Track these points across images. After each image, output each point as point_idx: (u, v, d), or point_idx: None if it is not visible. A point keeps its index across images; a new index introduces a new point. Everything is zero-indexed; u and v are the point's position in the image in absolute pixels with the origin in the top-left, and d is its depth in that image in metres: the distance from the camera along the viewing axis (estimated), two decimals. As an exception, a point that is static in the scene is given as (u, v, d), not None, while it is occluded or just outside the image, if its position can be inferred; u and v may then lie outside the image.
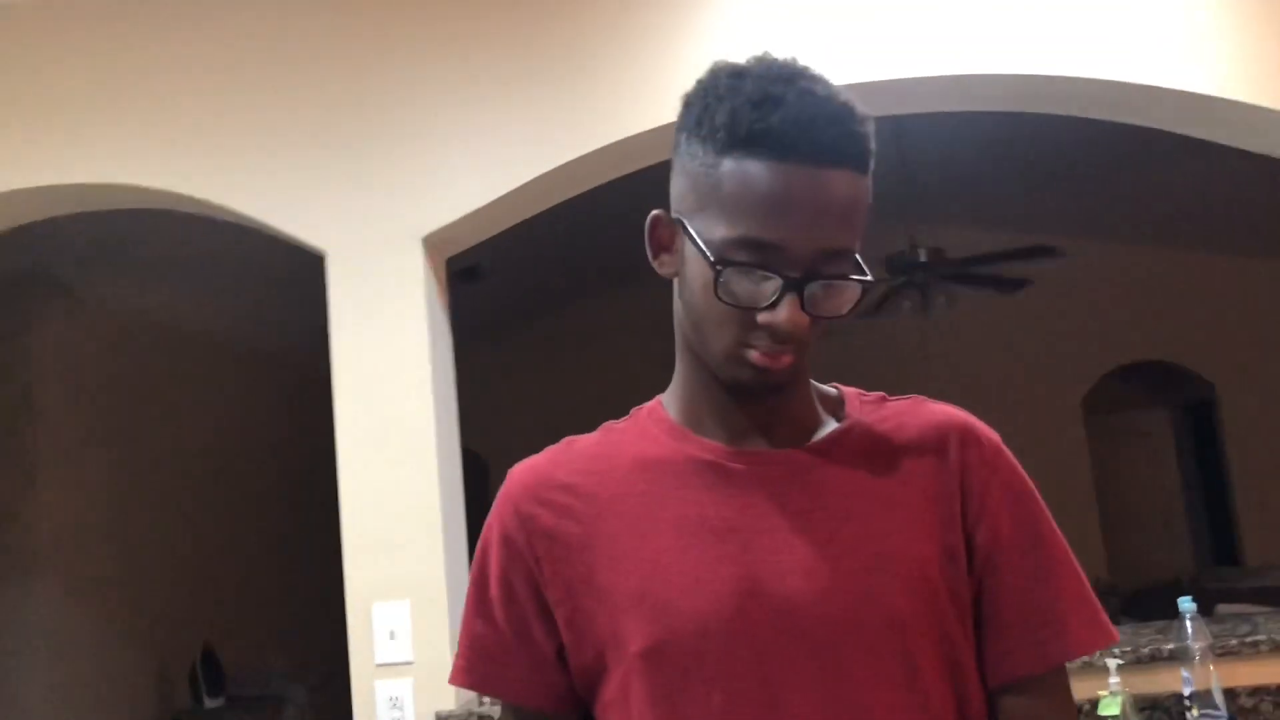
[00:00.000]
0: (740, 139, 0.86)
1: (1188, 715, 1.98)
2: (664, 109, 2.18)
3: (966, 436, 0.97)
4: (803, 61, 0.91)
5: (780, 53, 0.93)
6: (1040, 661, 0.94)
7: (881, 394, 1.02)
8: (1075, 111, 2.54)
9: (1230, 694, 2.01)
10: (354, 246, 2.42)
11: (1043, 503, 0.98)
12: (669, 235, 0.95)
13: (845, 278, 0.89)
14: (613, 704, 0.93)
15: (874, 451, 0.96)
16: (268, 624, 5.52)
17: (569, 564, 0.94)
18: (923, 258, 5.07)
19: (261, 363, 5.74)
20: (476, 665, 0.99)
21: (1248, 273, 6.85)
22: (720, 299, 0.88)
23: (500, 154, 2.41)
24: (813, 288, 0.88)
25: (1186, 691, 1.98)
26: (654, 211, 0.95)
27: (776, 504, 0.92)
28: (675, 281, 0.96)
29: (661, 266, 0.96)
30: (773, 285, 0.87)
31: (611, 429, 1.03)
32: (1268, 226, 5.17)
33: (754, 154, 0.86)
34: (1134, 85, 2.28)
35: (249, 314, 5.28)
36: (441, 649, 2.25)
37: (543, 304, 6.94)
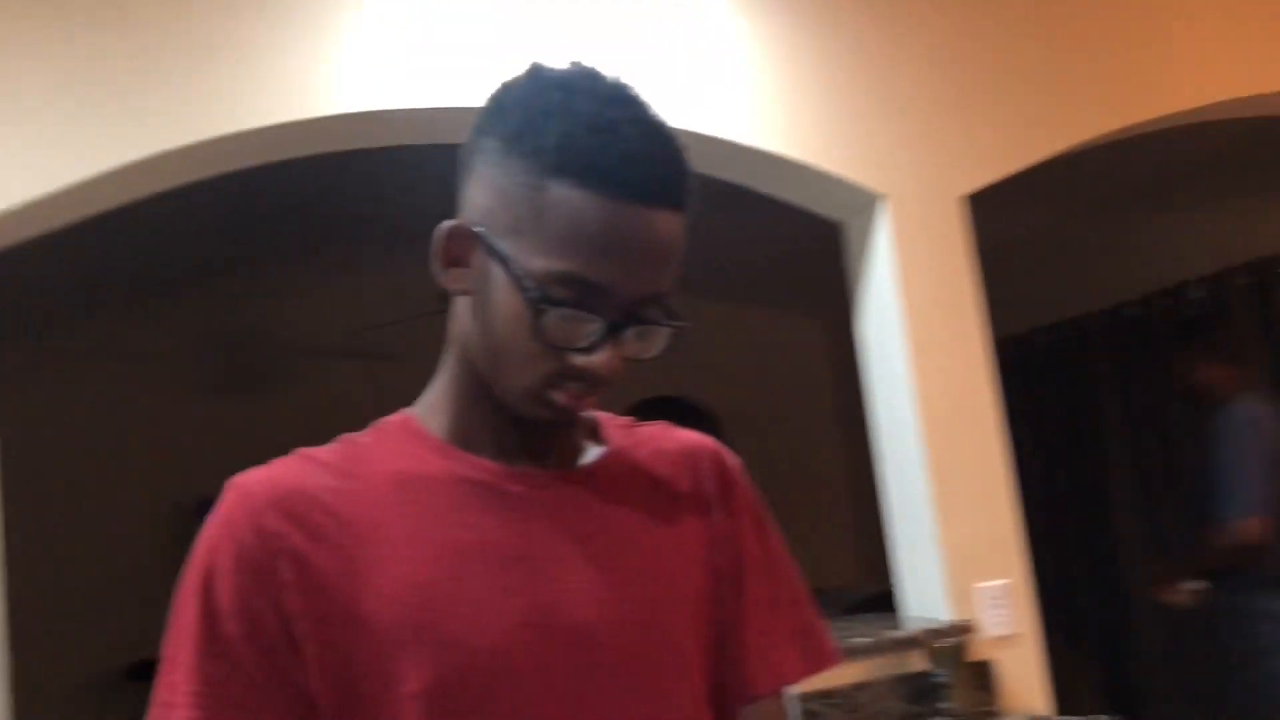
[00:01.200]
0: (573, 168, 0.80)
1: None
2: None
3: (719, 461, 1.00)
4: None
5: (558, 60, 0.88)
6: (770, 685, 0.98)
7: (630, 419, 1.02)
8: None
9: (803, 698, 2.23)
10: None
11: (775, 528, 1.02)
12: (465, 250, 0.87)
13: (661, 322, 0.86)
14: None
15: (640, 476, 0.95)
16: None
17: (323, 593, 0.82)
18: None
19: None
20: (222, 716, 0.81)
21: (759, 321, 7.66)
22: (537, 338, 0.82)
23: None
24: (631, 332, 0.84)
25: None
26: (449, 222, 0.87)
27: (558, 530, 0.88)
28: (465, 301, 0.89)
29: (451, 281, 0.88)
30: (593, 328, 0.82)
31: (354, 442, 0.92)
32: (790, 282, 5.80)
33: (587, 185, 0.80)
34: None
35: None
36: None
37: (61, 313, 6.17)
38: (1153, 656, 4.86)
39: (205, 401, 4.78)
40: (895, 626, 2.47)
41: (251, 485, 0.86)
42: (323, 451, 0.90)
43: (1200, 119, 2.92)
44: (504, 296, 0.83)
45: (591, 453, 0.96)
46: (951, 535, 2.48)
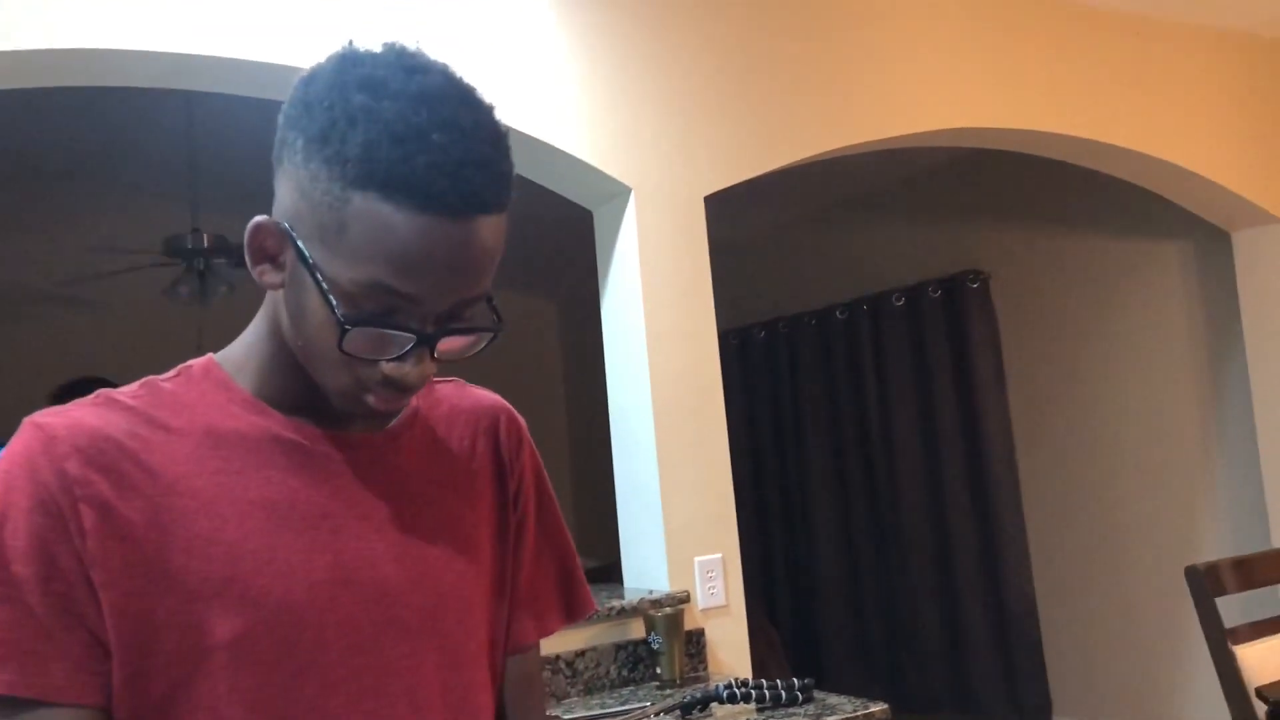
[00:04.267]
0: (376, 180, 0.77)
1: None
2: None
3: (509, 421, 1.05)
4: (420, 55, 0.83)
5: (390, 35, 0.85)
6: (539, 632, 1.07)
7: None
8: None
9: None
10: None
11: (549, 482, 1.09)
12: (277, 246, 0.85)
13: (478, 329, 0.86)
14: (170, 701, 0.83)
15: (438, 435, 0.99)
16: None
17: (127, 544, 0.82)
18: (205, 243, 4.94)
19: None
20: (6, 663, 0.79)
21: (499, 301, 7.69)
22: (344, 352, 0.82)
23: None
24: (445, 340, 0.84)
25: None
26: (258, 219, 0.85)
27: (363, 490, 0.91)
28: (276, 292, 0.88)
29: (263, 276, 0.86)
30: (403, 339, 0.82)
31: (158, 389, 0.90)
32: (527, 263, 5.85)
33: (391, 199, 0.77)
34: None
35: None
36: None
37: None
38: (838, 632, 5.30)
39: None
40: (618, 596, 2.61)
41: (56, 428, 0.83)
42: (127, 396, 0.88)
43: (921, 144, 3.22)
44: (313, 304, 0.83)
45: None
46: (674, 511, 2.64)
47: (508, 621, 1.04)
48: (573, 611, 1.09)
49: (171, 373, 0.92)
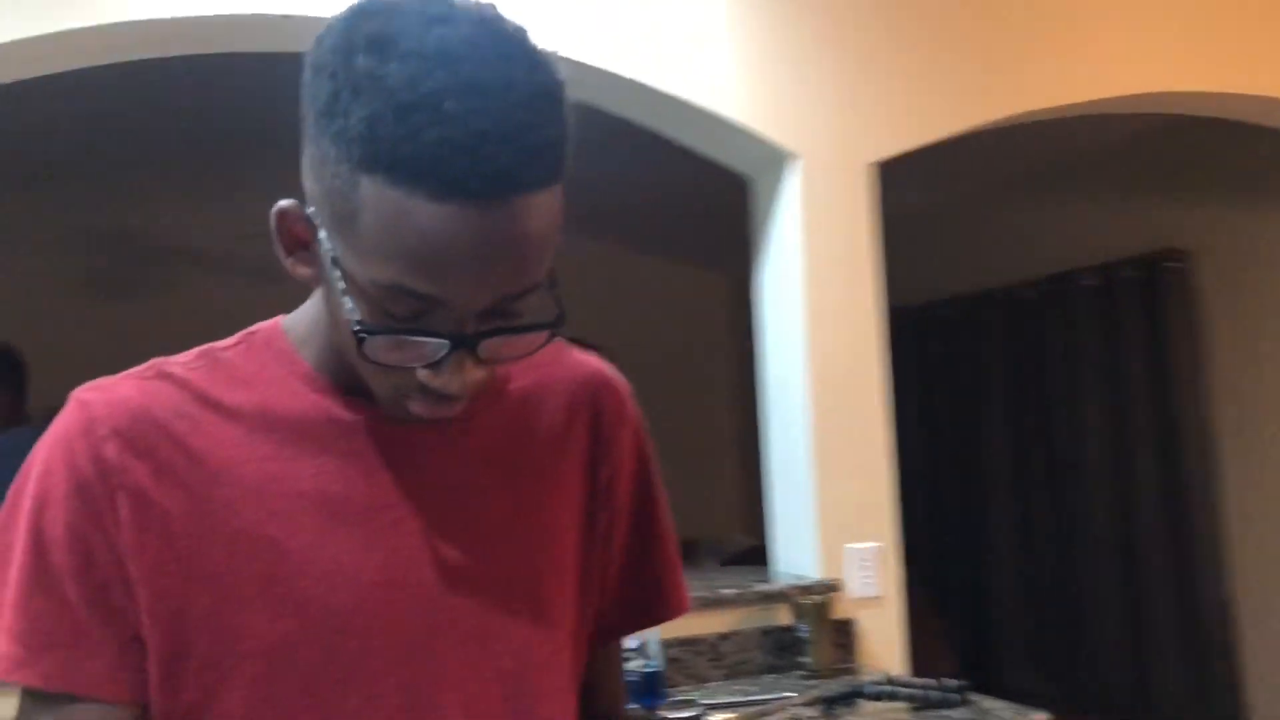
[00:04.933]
0: (382, 162, 0.65)
1: (629, 665, 2.19)
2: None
3: (610, 394, 0.93)
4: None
5: None
6: (635, 626, 0.98)
7: None
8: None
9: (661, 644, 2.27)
10: None
11: (656, 463, 0.96)
12: (305, 232, 0.75)
13: (530, 326, 0.73)
14: (200, 709, 0.76)
15: (525, 410, 0.88)
16: None
17: (165, 538, 0.75)
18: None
19: None
20: (43, 655, 0.75)
21: (656, 271, 7.67)
22: (369, 360, 0.72)
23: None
24: (489, 342, 0.72)
25: (632, 644, 2.18)
26: (283, 203, 0.75)
27: (428, 479, 0.81)
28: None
29: (296, 268, 0.77)
30: (434, 346, 0.71)
31: (217, 359, 0.82)
32: (697, 234, 5.79)
33: (400, 184, 0.65)
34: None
35: None
36: None
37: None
38: (1012, 627, 5.05)
39: (76, 303, 4.60)
40: (765, 580, 2.51)
41: (96, 406, 0.77)
42: (181, 367, 0.81)
43: (1108, 110, 2.98)
44: (338, 303, 0.73)
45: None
46: (827, 496, 2.52)
47: (599, 614, 0.94)
48: (663, 613, 0.98)
49: (234, 339, 0.85)
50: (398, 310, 0.70)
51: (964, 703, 2.06)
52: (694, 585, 2.44)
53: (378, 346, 0.71)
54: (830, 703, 2.06)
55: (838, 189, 2.58)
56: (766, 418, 2.70)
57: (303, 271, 0.77)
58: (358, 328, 0.70)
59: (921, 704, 2.05)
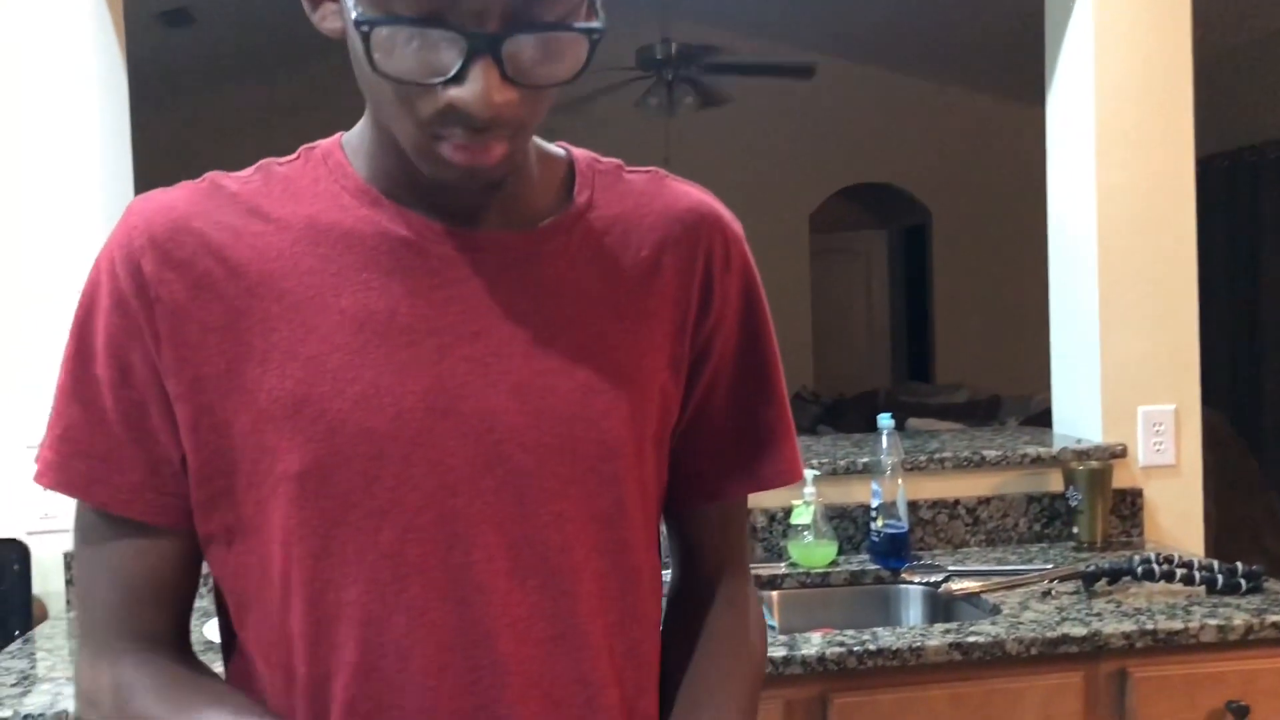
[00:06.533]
0: None
1: (872, 525, 2.06)
2: None
3: (714, 230, 0.82)
4: None
5: None
6: (752, 485, 0.87)
7: (618, 162, 0.83)
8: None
9: (913, 506, 2.11)
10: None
11: (768, 314, 0.86)
12: None
13: (559, 26, 0.64)
14: (239, 532, 0.74)
15: (608, 241, 0.79)
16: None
17: (202, 351, 0.72)
18: (673, 52, 4.94)
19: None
20: (72, 462, 0.74)
21: (978, 109, 7.14)
22: (378, 70, 0.64)
23: None
24: (514, 45, 0.63)
25: (874, 503, 2.05)
26: None
27: (487, 302, 0.74)
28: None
29: (323, 20, 0.71)
30: (453, 48, 0.63)
31: (272, 173, 0.77)
32: (1009, 67, 5.32)
33: None
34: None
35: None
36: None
37: (254, 66, 6.31)
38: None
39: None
40: (1037, 443, 2.28)
41: (143, 216, 0.74)
42: (234, 180, 0.77)
43: None
44: (354, 32, 0.66)
45: (556, 207, 0.79)
46: (1116, 352, 2.23)
47: (696, 468, 0.85)
48: (769, 477, 0.86)
49: (293, 155, 0.79)
50: (405, 10, 0.63)
51: (1256, 589, 1.79)
52: (958, 444, 2.27)
53: (387, 49, 0.64)
54: (1092, 579, 1.84)
55: (1143, 3, 2.21)
56: (1050, 260, 2.42)
57: (331, 26, 0.71)
58: (358, 16, 0.63)
59: (1205, 587, 1.79)
